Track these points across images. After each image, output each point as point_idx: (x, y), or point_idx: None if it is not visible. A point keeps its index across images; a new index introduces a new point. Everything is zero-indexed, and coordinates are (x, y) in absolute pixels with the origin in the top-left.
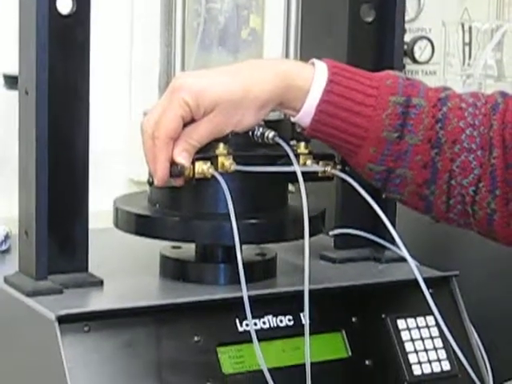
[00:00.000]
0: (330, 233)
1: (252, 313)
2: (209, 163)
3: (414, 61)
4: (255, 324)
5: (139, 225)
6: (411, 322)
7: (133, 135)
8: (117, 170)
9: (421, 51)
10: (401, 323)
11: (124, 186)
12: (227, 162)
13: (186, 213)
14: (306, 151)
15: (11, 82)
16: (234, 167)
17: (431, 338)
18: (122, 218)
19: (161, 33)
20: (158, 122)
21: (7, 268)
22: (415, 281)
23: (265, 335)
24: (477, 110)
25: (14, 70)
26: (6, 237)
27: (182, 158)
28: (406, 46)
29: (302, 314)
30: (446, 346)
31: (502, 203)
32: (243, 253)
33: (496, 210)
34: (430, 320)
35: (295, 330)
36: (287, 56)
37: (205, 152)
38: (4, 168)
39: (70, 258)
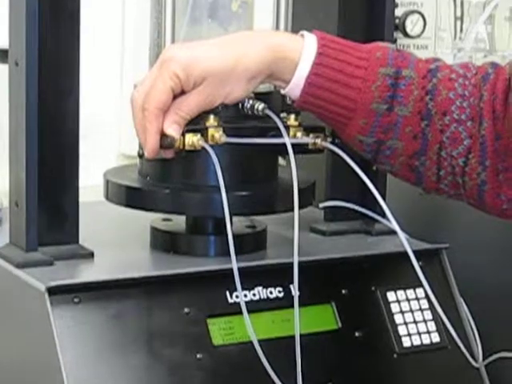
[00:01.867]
0: (320, 205)
1: (242, 284)
2: (199, 135)
3: (406, 35)
4: (245, 296)
5: (130, 197)
6: (401, 294)
7: (124, 109)
8: (107, 143)
9: (412, 25)
10: (390, 295)
11: (115, 159)
12: (217, 134)
13: (177, 185)
14: (296, 123)
15: (1, 55)
16: (224, 139)
17: (421, 310)
18: (113, 191)
19: (151, 5)
20: (148, 93)
21: None
22: (405, 253)
23: (255, 307)
24: (467, 81)
25: (4, 43)
26: None
27: (172, 130)
28: (397, 20)
29: (291, 286)
30: (436, 318)
31: (491, 174)
32: (233, 225)
33: (486, 181)
34: (420, 292)
35: (285, 302)
36: (277, 28)
37: (195, 124)
38: None
39: (60, 229)
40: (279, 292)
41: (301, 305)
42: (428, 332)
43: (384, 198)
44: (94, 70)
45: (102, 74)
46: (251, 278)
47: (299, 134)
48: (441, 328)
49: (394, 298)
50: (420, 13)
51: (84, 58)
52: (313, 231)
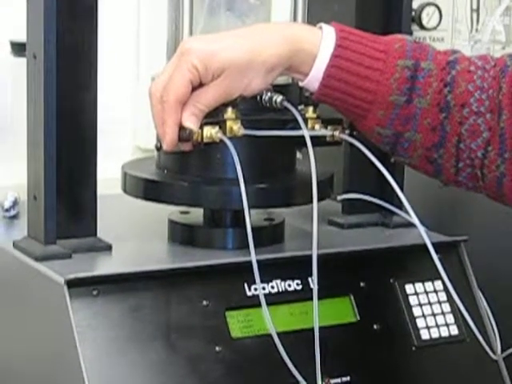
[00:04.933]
0: (338, 198)
1: (260, 277)
2: (217, 127)
3: (422, 27)
4: (263, 288)
5: (147, 190)
6: (419, 286)
7: (139, 102)
8: (123, 137)
9: (428, 17)
10: (409, 288)
11: (130, 153)
12: (235, 127)
13: (194, 177)
14: (314, 116)
15: (18, 49)
16: (242, 131)
17: (439, 302)
18: (131, 183)
19: None
20: (167, 86)
21: (16, 233)
22: (423, 246)
23: (273, 299)
24: (486, 73)
25: (20, 37)
26: (15, 202)
27: (191, 123)
28: (413, 13)
29: (310, 279)
30: (454, 310)
31: (511, 166)
32: (251, 218)
33: (505, 174)
34: (438, 285)
35: (303, 295)
36: (295, 20)
37: (213, 116)
38: (12, 135)
39: (78, 222)
40: (297, 285)
41: (319, 297)
42: (446, 324)
43: (402, 191)
44: (109, 63)
45: (117, 67)
46: (269, 270)
47: (317, 127)
48: (459, 320)
49: (413, 291)
50: (436, 5)
51: (99, 51)
52: (331, 224)
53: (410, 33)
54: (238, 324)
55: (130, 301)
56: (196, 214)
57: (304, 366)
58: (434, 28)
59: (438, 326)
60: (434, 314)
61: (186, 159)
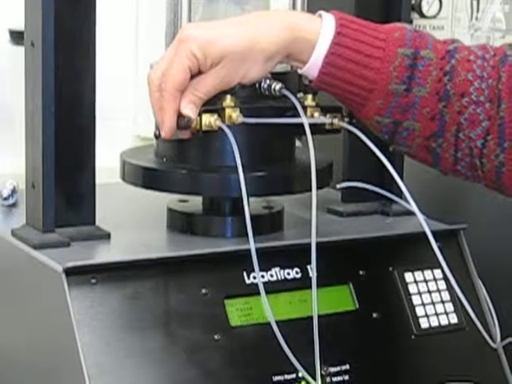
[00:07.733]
0: (338, 186)
1: (259, 265)
2: (216, 115)
3: (422, 15)
4: (262, 277)
5: (146, 178)
6: (418, 274)
7: (139, 90)
8: (123, 125)
9: (428, 6)
10: (408, 276)
11: (130, 141)
12: (234, 114)
13: (193, 165)
14: (314, 103)
15: (17, 37)
16: (241, 119)
17: (438, 291)
18: (129, 172)
19: None
20: (165, 73)
21: (14, 221)
22: (423, 234)
23: (272, 288)
24: (485, 63)
25: (19, 25)
26: (13, 191)
27: (189, 110)
28: (413, 1)
29: (309, 267)
30: (454, 299)
31: (510, 156)
32: (250, 206)
33: (504, 163)
34: (438, 273)
35: (302, 283)
36: (294, 8)
37: (212, 104)
38: (11, 124)
39: (77, 210)
40: (296, 273)
41: (318, 286)
42: (446, 313)
43: (401, 179)
44: (109, 50)
45: (117, 54)
46: (268, 258)
47: (316, 114)
48: (458, 309)
49: (412, 279)
50: None
51: (98, 39)
52: (330, 212)
53: (410, 21)
54: (237, 312)
55: (128, 289)
56: (195, 203)
57: (303, 355)
58: (434, 16)
59: (437, 314)
60: (433, 303)
61: (185, 147)
